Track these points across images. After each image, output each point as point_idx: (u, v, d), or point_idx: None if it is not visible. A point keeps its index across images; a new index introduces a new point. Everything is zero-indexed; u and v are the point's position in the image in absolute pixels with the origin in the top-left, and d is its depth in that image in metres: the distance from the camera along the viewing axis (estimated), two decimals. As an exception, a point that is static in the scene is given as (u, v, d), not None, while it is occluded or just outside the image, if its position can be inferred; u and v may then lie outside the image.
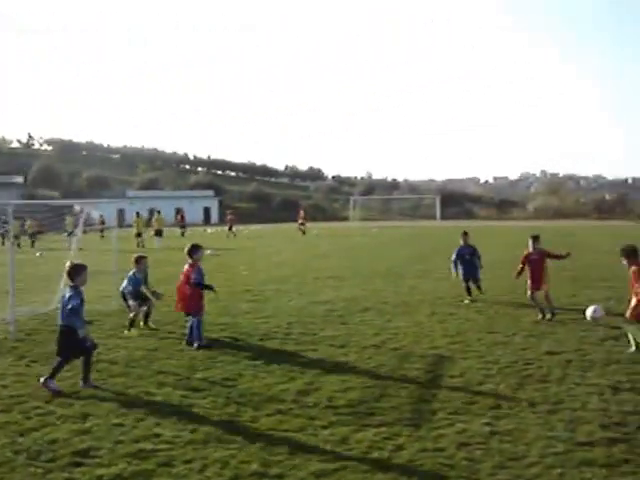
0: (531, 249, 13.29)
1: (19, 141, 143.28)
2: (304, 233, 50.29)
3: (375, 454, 6.20)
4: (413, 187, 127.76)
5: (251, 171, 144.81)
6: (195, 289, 11.16)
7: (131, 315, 12.31)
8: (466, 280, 15.39)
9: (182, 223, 51.76)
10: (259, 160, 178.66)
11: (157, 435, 6.75)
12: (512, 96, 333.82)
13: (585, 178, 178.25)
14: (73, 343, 8.52)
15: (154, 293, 12.72)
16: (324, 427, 6.94)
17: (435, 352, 10.31)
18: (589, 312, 11.39)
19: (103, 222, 45.95)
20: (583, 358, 9.62)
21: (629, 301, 10.06)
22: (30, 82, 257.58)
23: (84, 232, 22.30)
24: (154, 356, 10.29)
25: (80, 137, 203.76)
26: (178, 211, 65.51)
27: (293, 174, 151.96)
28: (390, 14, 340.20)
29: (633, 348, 9.83)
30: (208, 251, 22.40)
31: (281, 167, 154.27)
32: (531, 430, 6.71)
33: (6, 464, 6.07)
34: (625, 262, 10.26)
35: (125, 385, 8.64)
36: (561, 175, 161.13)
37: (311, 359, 9.96)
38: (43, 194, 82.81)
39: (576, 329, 11.64)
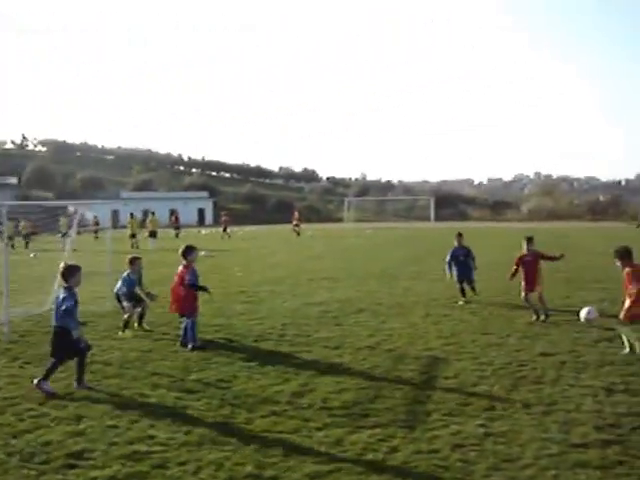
0: (525, 251, 13.32)
1: (13, 142, 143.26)
2: (299, 234, 50.25)
3: (370, 456, 6.19)
4: (407, 188, 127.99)
5: (245, 172, 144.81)
6: (189, 290, 11.14)
7: (125, 316, 12.29)
8: (460, 281, 15.40)
9: (176, 224, 51.73)
10: (253, 161, 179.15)
11: (151, 437, 6.74)
12: (506, 98, 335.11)
13: (578, 180, 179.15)
14: (67, 344, 8.49)
15: (148, 294, 12.68)
16: (319, 429, 6.93)
17: (429, 353, 10.31)
18: (583, 314, 11.40)
19: (97, 223, 45.94)
20: (577, 359, 9.63)
21: (623, 302, 10.09)
22: (24, 82, 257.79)
23: (78, 233, 22.26)
24: (148, 357, 10.27)
25: (74, 138, 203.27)
26: (172, 212, 65.43)
27: (287, 175, 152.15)
28: (390, 14, 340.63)
29: (627, 349, 9.85)
30: (202, 252, 22.37)
31: (275, 168, 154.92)
32: (525, 432, 6.71)
33: (-1, 466, 6.05)
34: (619, 264, 10.29)
35: (119, 386, 8.62)
36: (555, 177, 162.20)
37: (305, 360, 9.95)
38: (37, 195, 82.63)
39: (570, 330, 11.66)
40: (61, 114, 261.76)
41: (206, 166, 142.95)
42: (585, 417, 7.11)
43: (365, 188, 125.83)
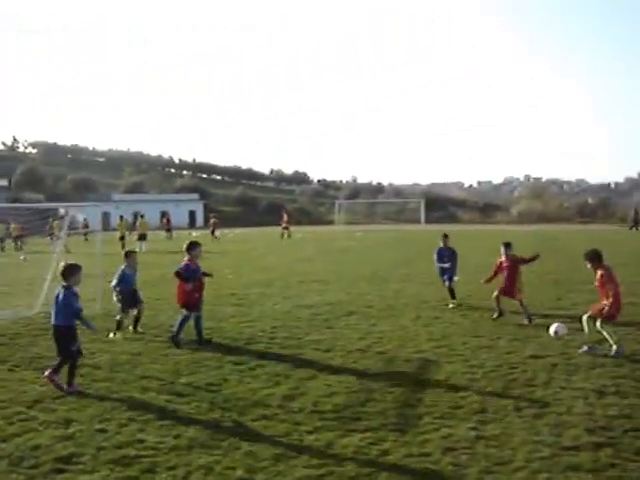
0: (503, 257, 13.40)
1: (3, 144, 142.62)
2: (289, 236, 50.07)
3: (361, 459, 6.17)
4: (398, 191, 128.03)
5: (236, 175, 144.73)
6: (180, 282, 11.36)
7: (118, 317, 12.17)
8: (444, 280, 15.46)
9: (168, 226, 51.75)
10: (244, 164, 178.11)
11: (141, 441, 6.69)
12: (496, 101, 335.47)
13: (569, 182, 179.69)
14: (69, 340, 8.55)
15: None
16: (309, 432, 6.90)
17: (420, 356, 10.30)
18: (552, 330, 10.78)
19: (87, 225, 45.74)
20: (568, 362, 9.65)
21: (599, 302, 10.29)
22: (19, 83, 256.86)
23: (68, 235, 22.15)
24: (138, 360, 10.21)
25: (65, 140, 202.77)
26: (164, 214, 65.33)
27: (278, 178, 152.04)
28: (390, 14, 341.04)
29: (614, 347, 9.91)
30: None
31: (266, 171, 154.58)
32: (517, 434, 6.71)
33: (-13, 471, 5.99)
34: (589, 266, 10.50)
35: (109, 390, 8.57)
36: (544, 179, 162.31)
37: (296, 363, 9.92)
38: (28, 197, 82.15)
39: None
40: (54, 116, 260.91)
41: (197, 168, 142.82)
42: (576, 420, 7.12)
43: (356, 191, 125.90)
